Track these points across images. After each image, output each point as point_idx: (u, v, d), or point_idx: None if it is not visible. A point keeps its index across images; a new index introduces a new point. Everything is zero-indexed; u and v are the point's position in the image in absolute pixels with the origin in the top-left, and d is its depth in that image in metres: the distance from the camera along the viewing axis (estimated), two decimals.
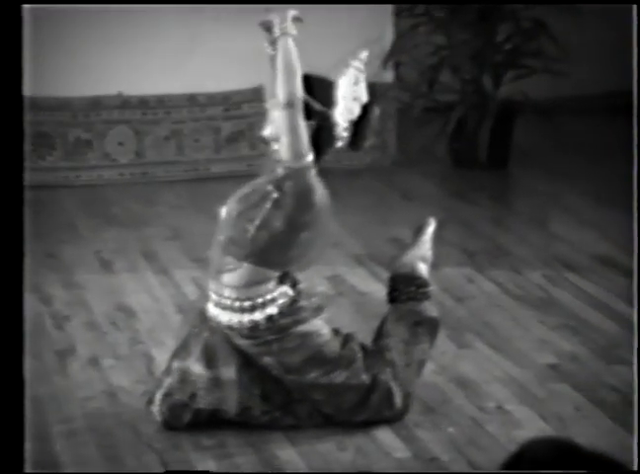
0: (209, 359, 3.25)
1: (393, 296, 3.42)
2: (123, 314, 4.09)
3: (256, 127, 5.82)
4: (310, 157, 3.12)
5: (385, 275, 3.62)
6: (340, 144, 3.22)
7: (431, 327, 3.39)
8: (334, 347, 3.24)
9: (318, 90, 3.17)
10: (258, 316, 3.19)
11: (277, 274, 3.20)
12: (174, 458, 3.15)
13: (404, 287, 3.40)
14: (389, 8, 5.68)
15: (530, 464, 1.64)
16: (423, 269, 3.44)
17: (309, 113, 3.14)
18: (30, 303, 3.99)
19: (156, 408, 3.27)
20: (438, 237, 3.54)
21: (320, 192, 3.15)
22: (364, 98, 3.20)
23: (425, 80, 5.67)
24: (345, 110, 3.18)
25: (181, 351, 3.30)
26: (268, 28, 3.13)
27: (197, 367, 3.25)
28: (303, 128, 3.10)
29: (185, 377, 3.26)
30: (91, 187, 5.56)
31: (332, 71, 3.20)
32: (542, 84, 5.70)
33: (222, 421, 3.26)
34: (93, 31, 5.52)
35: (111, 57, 5.53)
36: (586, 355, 3.73)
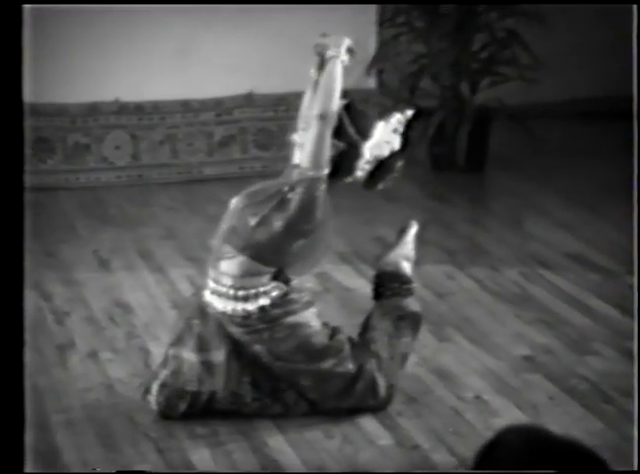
0: (202, 347, 3.25)
1: (378, 292, 3.43)
2: (121, 310, 4.08)
3: (247, 132, 5.84)
4: (326, 171, 3.13)
5: (370, 272, 3.62)
6: (358, 175, 3.22)
7: (413, 322, 3.39)
8: (322, 338, 3.24)
9: (357, 118, 3.20)
10: (250, 306, 3.20)
11: (271, 270, 3.20)
12: (169, 446, 3.14)
13: (389, 284, 3.41)
14: (373, 18, 5.69)
15: (506, 450, 1.64)
16: (406, 267, 3.45)
17: (341, 134, 3.15)
18: (31, 300, 3.98)
19: (152, 398, 3.27)
20: (419, 237, 3.54)
21: (324, 206, 3.16)
22: (397, 147, 3.24)
23: (406, 86, 5.68)
24: (375, 146, 3.21)
25: (176, 342, 3.30)
26: (321, 51, 3.15)
27: (190, 356, 3.25)
28: (328, 143, 3.13)
29: (179, 367, 3.25)
30: (89, 189, 5.55)
31: (375, 111, 3.22)
32: (516, 90, 5.71)
33: (215, 410, 3.26)
34: (90, 39, 5.50)
35: (107, 65, 5.51)
36: (559, 348, 3.74)
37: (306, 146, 3.13)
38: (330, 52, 3.15)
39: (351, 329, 3.39)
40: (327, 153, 3.13)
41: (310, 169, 3.12)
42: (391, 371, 3.31)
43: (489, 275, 4.40)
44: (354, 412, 3.27)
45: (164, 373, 3.27)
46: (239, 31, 5.62)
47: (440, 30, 5.60)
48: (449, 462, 3.04)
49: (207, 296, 3.27)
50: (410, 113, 3.26)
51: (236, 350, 3.24)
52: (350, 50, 3.18)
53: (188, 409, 3.25)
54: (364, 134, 3.20)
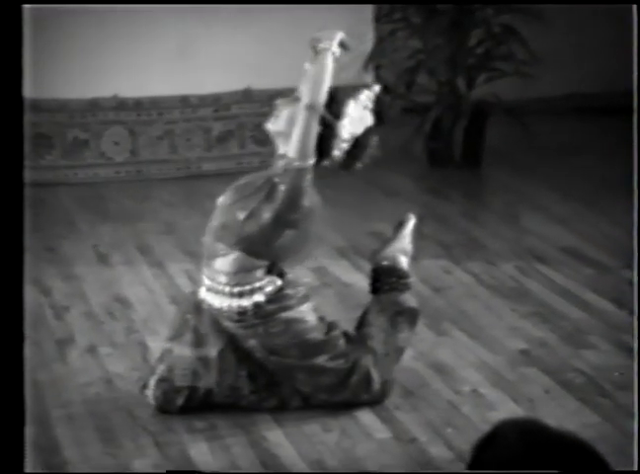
0: (198, 342, 3.25)
1: (376, 287, 3.43)
2: (120, 305, 4.08)
3: (245, 127, 5.84)
4: (312, 161, 3.13)
5: (367, 266, 3.62)
6: (336, 155, 3.22)
7: (410, 317, 3.39)
8: (317, 333, 3.24)
9: (328, 100, 3.19)
10: (246, 302, 3.20)
11: (265, 263, 3.20)
12: (168, 440, 3.14)
13: (386, 279, 3.41)
14: (370, 14, 5.69)
15: (502, 443, 1.64)
16: (403, 261, 3.45)
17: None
18: (31, 295, 3.98)
19: (150, 393, 3.27)
20: (416, 232, 3.54)
21: (311, 196, 3.16)
22: (369, 122, 3.23)
23: (403, 82, 5.68)
24: (349, 125, 3.20)
25: (173, 338, 3.30)
26: (315, 44, 3.15)
27: (187, 351, 3.25)
28: (315, 133, 3.12)
29: (176, 362, 3.25)
30: (88, 184, 5.54)
31: (345, 92, 3.23)
32: (512, 86, 5.71)
33: (213, 404, 3.26)
34: (89, 36, 5.50)
35: (107, 61, 5.51)
36: (555, 341, 3.74)
37: (293, 136, 3.12)
38: (322, 45, 3.15)
39: (348, 323, 3.40)
40: (313, 143, 3.12)
41: (297, 159, 3.11)
42: (386, 368, 3.30)
43: (485, 269, 4.40)
44: (351, 406, 3.28)
45: (161, 368, 3.27)
46: (237, 27, 5.62)
47: (436, 25, 5.60)
48: (446, 455, 3.05)
49: (203, 293, 3.27)
50: (377, 88, 3.27)
51: (232, 343, 3.24)
52: (342, 44, 3.18)
53: (185, 403, 3.25)
54: (337, 114, 3.19)
